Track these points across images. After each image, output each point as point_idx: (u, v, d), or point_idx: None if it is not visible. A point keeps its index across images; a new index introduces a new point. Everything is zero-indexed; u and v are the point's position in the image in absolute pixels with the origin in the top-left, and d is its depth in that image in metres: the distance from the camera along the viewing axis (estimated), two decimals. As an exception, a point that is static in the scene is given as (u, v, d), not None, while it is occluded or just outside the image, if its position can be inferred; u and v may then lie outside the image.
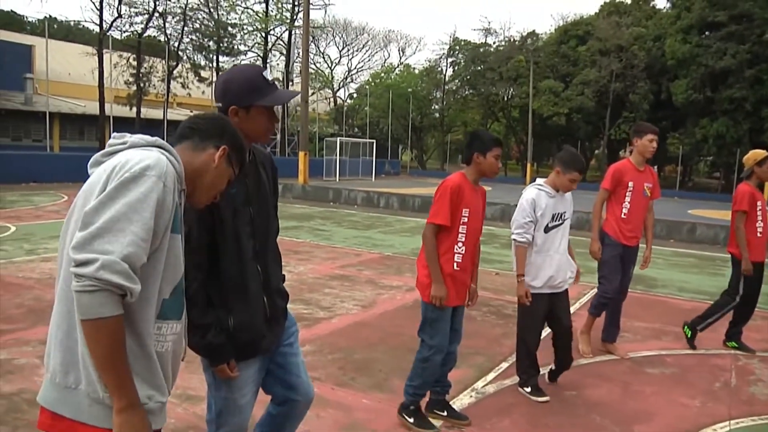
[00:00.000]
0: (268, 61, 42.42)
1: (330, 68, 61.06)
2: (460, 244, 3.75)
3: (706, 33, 39.27)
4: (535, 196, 4.49)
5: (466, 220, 3.74)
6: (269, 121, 2.42)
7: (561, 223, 4.56)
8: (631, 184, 5.47)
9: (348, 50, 62.73)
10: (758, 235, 5.88)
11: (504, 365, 5.23)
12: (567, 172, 4.45)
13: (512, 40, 51.37)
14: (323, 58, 60.07)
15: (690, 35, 39.44)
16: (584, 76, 44.28)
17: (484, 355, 5.43)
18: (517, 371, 4.71)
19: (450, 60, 55.80)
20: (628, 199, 5.48)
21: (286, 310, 2.64)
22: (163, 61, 34.02)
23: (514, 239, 4.47)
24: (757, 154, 5.93)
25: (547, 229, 4.48)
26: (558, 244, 4.54)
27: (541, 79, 45.67)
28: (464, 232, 3.75)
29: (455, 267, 3.75)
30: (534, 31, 51.08)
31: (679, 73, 40.33)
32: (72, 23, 49.38)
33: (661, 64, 42.28)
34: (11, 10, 52.15)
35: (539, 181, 4.66)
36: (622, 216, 5.49)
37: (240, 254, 2.36)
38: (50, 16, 46.25)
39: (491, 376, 4.98)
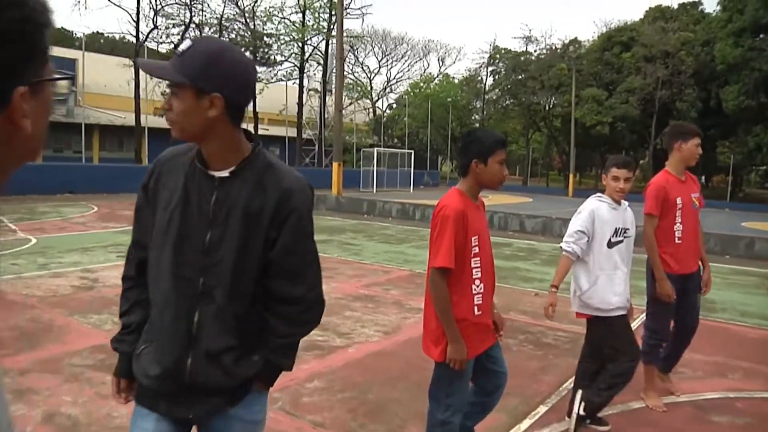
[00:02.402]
0: (305, 71, 42.18)
1: (369, 78, 60.77)
2: (477, 282, 3.00)
3: (761, 36, 37.65)
4: (596, 207, 4.02)
5: (477, 250, 2.99)
6: None
7: (623, 240, 4.02)
8: (679, 200, 4.56)
9: (387, 60, 62.34)
10: None
11: (542, 409, 4.49)
12: (610, 169, 4.06)
13: (554, 47, 50.30)
14: (362, 68, 59.84)
15: (742, 38, 37.90)
16: (629, 83, 42.97)
17: (519, 396, 4.68)
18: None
19: (490, 69, 54.95)
20: (679, 218, 4.58)
21: (229, 394, 1.88)
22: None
23: (561, 246, 4.00)
24: None
25: (610, 245, 3.97)
26: (622, 261, 4.02)
27: (584, 87, 44.50)
28: (478, 265, 2.99)
29: (476, 312, 3.00)
30: (576, 38, 49.96)
31: (730, 78, 38.80)
32: (117, 37, 50.05)
33: (710, 70, 40.78)
34: (62, 27, 53.10)
35: (598, 194, 4.15)
36: (677, 240, 4.59)
37: (158, 271, 1.83)
38: (97, 31, 46.66)
39: (526, 424, 4.23)
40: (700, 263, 4.78)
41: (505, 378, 3.28)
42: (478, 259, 2.98)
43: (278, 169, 1.82)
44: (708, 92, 41.56)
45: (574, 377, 4.44)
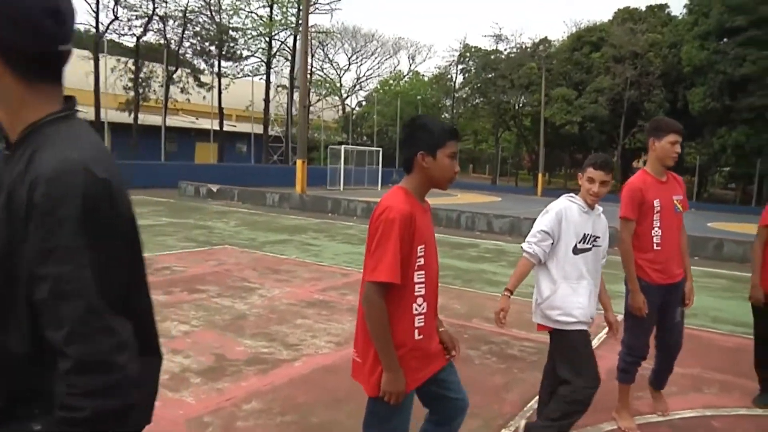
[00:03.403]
0: (272, 67, 41.43)
1: (338, 75, 60.12)
2: (419, 301, 2.49)
3: (725, 39, 38.01)
4: (565, 207, 3.56)
5: (422, 262, 2.47)
6: None
7: (590, 249, 3.55)
8: (657, 202, 4.10)
9: (357, 57, 61.71)
10: None
11: (505, 434, 4.03)
12: (585, 169, 3.62)
13: (524, 46, 50.16)
14: (331, 65, 59.16)
15: (708, 41, 38.25)
16: (598, 83, 43.02)
17: (480, 418, 4.20)
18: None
19: (460, 67, 54.66)
20: (657, 223, 4.11)
21: None
22: (163, 66, 32.98)
23: (522, 247, 3.56)
24: None
25: (576, 251, 3.50)
26: (588, 271, 3.54)
27: (554, 86, 44.47)
28: (422, 280, 2.48)
29: (417, 336, 2.48)
30: (546, 37, 49.86)
31: (696, 80, 39.07)
32: (81, 29, 48.59)
33: (677, 72, 41.03)
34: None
35: (570, 194, 3.71)
36: (655, 247, 4.12)
37: None
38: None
39: (487, 453, 3.77)
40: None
41: (463, 405, 2.73)
42: (423, 273, 2.47)
43: (52, 143, 1.26)
44: (675, 94, 41.83)
45: (539, 394, 4.00)
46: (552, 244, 3.49)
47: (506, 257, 12.13)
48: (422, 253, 2.46)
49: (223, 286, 7.88)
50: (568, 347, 3.52)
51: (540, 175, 43.60)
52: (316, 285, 8.32)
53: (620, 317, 6.41)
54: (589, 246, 3.53)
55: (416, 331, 2.47)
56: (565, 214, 3.51)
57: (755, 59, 35.36)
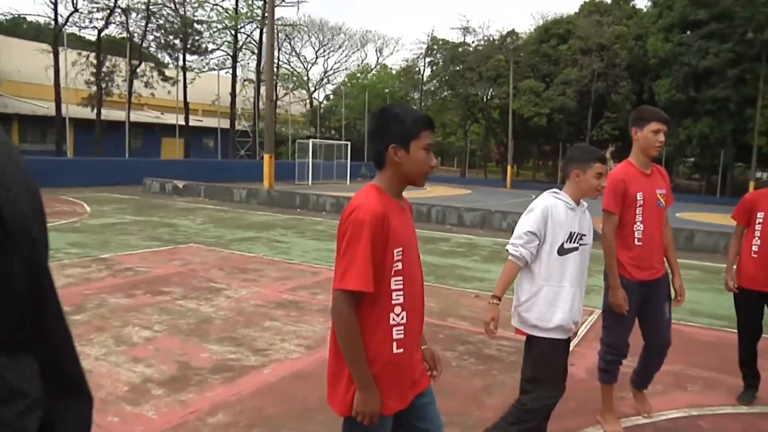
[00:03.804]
0: (238, 60, 40.82)
1: (305, 69, 59.53)
2: (397, 310, 2.22)
3: (688, 32, 38.41)
4: (551, 204, 3.30)
5: (399, 267, 2.21)
6: None
7: (577, 248, 3.31)
8: (640, 195, 3.93)
9: (324, 51, 61.15)
10: (752, 254, 4.58)
11: (487, 442, 3.81)
12: (588, 166, 3.35)
13: (491, 39, 50.06)
14: (298, 58, 58.56)
15: (672, 34, 38.56)
16: (565, 75, 43.16)
17: (460, 427, 3.99)
18: None
19: (428, 60, 54.41)
20: (640, 217, 3.94)
21: None
22: (126, 60, 32.16)
23: (507, 249, 3.29)
24: None
25: (562, 251, 3.26)
26: (573, 273, 3.29)
27: (522, 78, 44.49)
28: (400, 287, 2.21)
29: (395, 349, 2.22)
30: (513, 30, 49.85)
31: (662, 72, 39.44)
32: (42, 21, 47.29)
33: (643, 64, 41.38)
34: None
35: (554, 189, 3.45)
36: (636, 242, 3.95)
37: None
38: (18, 14, 43.69)
39: (469, 466, 3.56)
40: (667, 268, 4.16)
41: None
42: (400, 279, 2.21)
43: None
44: (641, 85, 42.17)
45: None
46: (538, 244, 3.27)
47: (478, 251, 11.97)
48: (399, 257, 2.19)
49: (188, 288, 7.56)
50: (538, 354, 3.29)
51: (509, 167, 43.66)
52: (285, 284, 8.05)
53: (597, 311, 6.27)
54: (575, 245, 3.31)
55: (394, 343, 2.20)
56: (551, 213, 3.28)
57: (717, 52, 35.77)
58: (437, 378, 2.49)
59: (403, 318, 2.22)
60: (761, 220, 4.52)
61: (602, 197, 3.95)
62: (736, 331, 6.71)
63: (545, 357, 3.26)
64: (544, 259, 3.26)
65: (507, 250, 3.30)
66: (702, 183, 46.25)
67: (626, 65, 41.84)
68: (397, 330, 2.21)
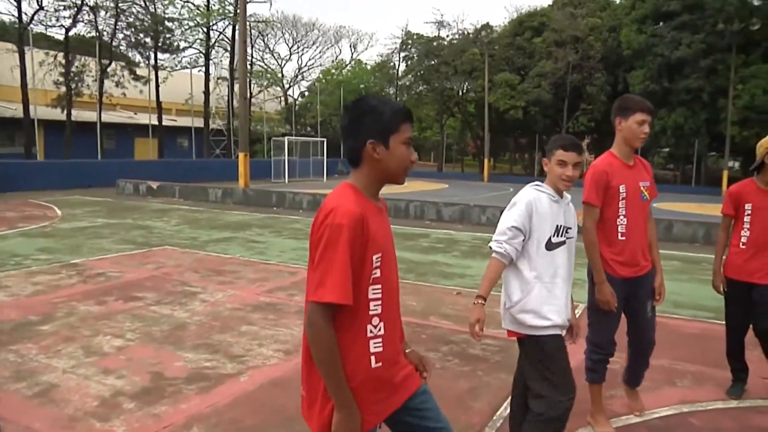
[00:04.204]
0: (211, 58, 40.30)
1: (280, 66, 59.05)
2: (375, 321, 2.05)
3: (661, 23, 38.68)
4: (534, 197, 3.15)
5: (378, 274, 2.03)
6: None
7: (564, 242, 3.17)
8: (623, 188, 3.77)
9: (298, 47, 60.73)
10: (741, 246, 4.47)
11: (475, 449, 3.67)
12: (552, 154, 3.23)
13: (466, 32, 49.98)
14: (272, 55, 58.04)
15: (645, 25, 38.78)
16: (540, 68, 43.21)
17: None
18: None
19: (403, 54, 54.25)
20: (623, 210, 3.78)
21: None
22: (96, 59, 31.49)
23: (491, 247, 3.12)
24: None
25: (550, 246, 3.12)
26: (563, 267, 3.17)
27: (497, 72, 44.46)
28: (378, 296, 2.04)
29: (374, 363, 2.04)
30: (488, 23, 49.89)
31: (636, 63, 39.64)
32: (7, 21, 46.27)
33: (617, 55, 41.55)
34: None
35: (536, 182, 3.29)
36: (620, 237, 3.80)
37: None
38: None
39: (458, 476, 3.40)
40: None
41: None
42: (379, 287, 2.03)
43: None
44: (616, 77, 42.34)
45: (509, 399, 3.64)
46: (524, 240, 3.11)
47: (458, 246, 11.84)
48: (378, 264, 2.01)
49: (161, 292, 7.33)
50: (541, 356, 3.12)
51: (486, 161, 43.70)
52: (263, 286, 7.84)
53: (581, 305, 6.16)
54: (563, 239, 3.17)
55: (372, 357, 2.02)
56: (535, 206, 3.12)
57: (689, 43, 36.02)
58: (426, 379, 2.32)
59: (380, 329, 2.05)
60: (750, 212, 4.41)
61: (583, 189, 3.81)
62: (720, 322, 6.67)
63: (550, 356, 3.11)
64: (532, 255, 3.11)
65: (490, 248, 3.13)
66: (677, 173, 46.67)
67: (600, 57, 41.99)
68: (375, 343, 2.03)
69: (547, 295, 3.10)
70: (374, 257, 1.99)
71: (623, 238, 3.80)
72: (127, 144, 38.53)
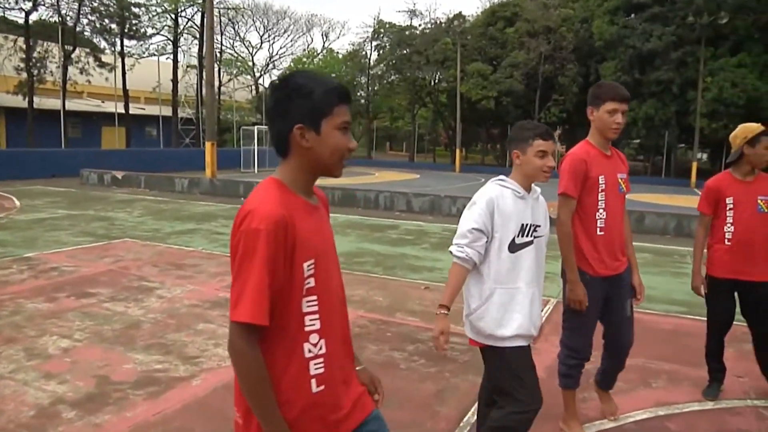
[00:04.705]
0: (179, 45, 39.57)
1: (250, 54, 58.23)
2: (314, 338, 1.75)
3: (632, 15, 38.91)
4: (497, 195, 2.86)
5: (312, 284, 1.73)
6: None
7: (531, 242, 2.89)
8: (602, 178, 3.51)
9: (269, 35, 59.99)
10: (726, 242, 4.26)
11: (440, 460, 3.44)
12: (528, 144, 2.91)
13: (438, 22, 49.67)
14: (243, 43, 57.20)
15: (617, 17, 38.93)
16: (513, 58, 43.10)
17: (411, 442, 3.61)
18: None
19: (375, 44, 53.74)
20: (602, 203, 3.53)
21: None
22: (59, 45, 30.61)
23: (451, 251, 2.83)
24: (747, 129, 4.20)
25: (513, 248, 2.83)
26: (529, 270, 2.88)
27: (469, 62, 44.25)
28: (314, 309, 1.75)
29: (314, 388, 1.74)
30: (461, 12, 49.55)
31: (608, 54, 39.74)
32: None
33: (589, 46, 41.59)
34: None
35: (500, 177, 2.98)
36: (598, 232, 3.54)
37: None
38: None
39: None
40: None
41: None
42: (314, 298, 1.74)
43: None
44: (588, 68, 42.43)
45: (477, 404, 3.41)
46: (486, 242, 2.84)
47: (428, 238, 11.62)
48: (311, 272, 1.72)
49: (117, 288, 6.99)
50: (503, 367, 2.88)
51: (458, 151, 43.58)
52: (224, 280, 7.52)
53: (553, 300, 5.97)
54: (529, 239, 2.89)
55: (313, 381, 1.73)
56: (497, 204, 2.84)
57: (660, 35, 36.23)
58: (380, 404, 2.06)
59: (321, 347, 1.76)
60: (731, 206, 4.22)
61: (559, 179, 3.57)
62: (692, 317, 6.57)
63: (509, 368, 2.86)
64: (493, 259, 2.84)
65: (451, 252, 2.86)
66: (647, 164, 47.04)
67: (573, 48, 42.01)
68: (316, 363, 1.74)
69: (508, 302, 2.85)
70: (305, 265, 1.69)
71: (602, 233, 3.56)
72: (93, 133, 37.70)
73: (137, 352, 4.97)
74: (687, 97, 36.94)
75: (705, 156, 48.72)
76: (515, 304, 2.84)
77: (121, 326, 5.61)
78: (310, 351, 1.73)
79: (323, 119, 1.73)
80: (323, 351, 1.76)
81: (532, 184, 2.99)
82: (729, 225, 4.23)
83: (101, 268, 7.98)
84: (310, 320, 1.73)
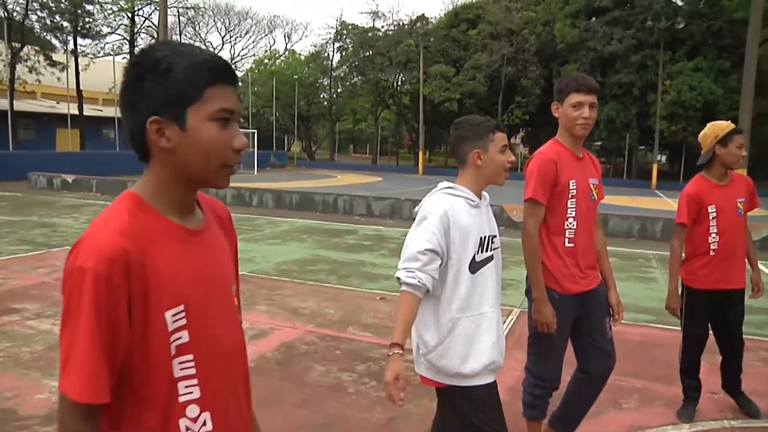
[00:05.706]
0: (136, 45, 38.53)
1: (211, 55, 57.24)
2: (192, 411, 1.25)
3: (593, 18, 39.53)
4: (449, 206, 2.40)
5: (185, 338, 1.23)
6: None
7: (491, 257, 2.46)
8: (573, 183, 3.12)
9: (231, 36, 59.20)
10: (711, 252, 3.92)
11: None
12: (489, 140, 2.50)
13: (401, 23, 49.41)
14: (204, 44, 56.21)
15: (578, 20, 39.46)
16: (476, 60, 43.06)
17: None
18: None
19: (337, 45, 53.29)
20: (572, 211, 3.13)
21: None
22: (5, 42, 29.44)
23: (398, 278, 2.33)
24: (717, 127, 3.88)
25: (474, 267, 2.39)
26: (493, 292, 2.46)
27: (432, 64, 44.11)
28: (192, 372, 1.25)
29: None
30: (423, 14, 49.56)
31: (570, 57, 40.11)
32: None
33: (551, 49, 41.86)
34: None
35: (447, 183, 2.55)
36: (567, 244, 3.15)
37: None
38: None
39: None
40: (600, 277, 3.40)
41: None
42: (190, 358, 1.25)
43: None
44: (550, 70, 42.60)
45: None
46: (441, 264, 2.37)
47: (387, 244, 11.19)
48: (181, 323, 1.23)
49: (46, 303, 6.41)
50: (468, 407, 2.43)
51: (421, 154, 43.40)
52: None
53: (516, 310, 5.58)
54: (489, 253, 2.46)
55: None
56: (452, 218, 2.38)
57: (621, 38, 36.86)
58: None
59: (205, 423, 1.27)
60: (714, 214, 3.87)
61: (526, 183, 3.15)
62: (661, 326, 6.26)
63: (480, 407, 2.42)
64: (450, 283, 2.39)
65: (398, 279, 2.35)
66: (609, 166, 47.40)
67: (535, 50, 42.22)
68: None
69: (474, 332, 2.41)
70: (168, 315, 1.20)
71: (571, 245, 3.16)
72: (47, 135, 36.44)
73: (55, 378, 4.43)
74: (647, 100, 37.51)
75: (664, 158, 49.36)
76: (482, 333, 2.42)
77: (43, 347, 5.07)
78: (188, 429, 1.25)
79: (188, 107, 1.21)
80: (209, 428, 1.28)
81: (482, 190, 2.57)
82: (714, 235, 3.87)
83: (33, 280, 7.38)
84: (186, 388, 1.24)
